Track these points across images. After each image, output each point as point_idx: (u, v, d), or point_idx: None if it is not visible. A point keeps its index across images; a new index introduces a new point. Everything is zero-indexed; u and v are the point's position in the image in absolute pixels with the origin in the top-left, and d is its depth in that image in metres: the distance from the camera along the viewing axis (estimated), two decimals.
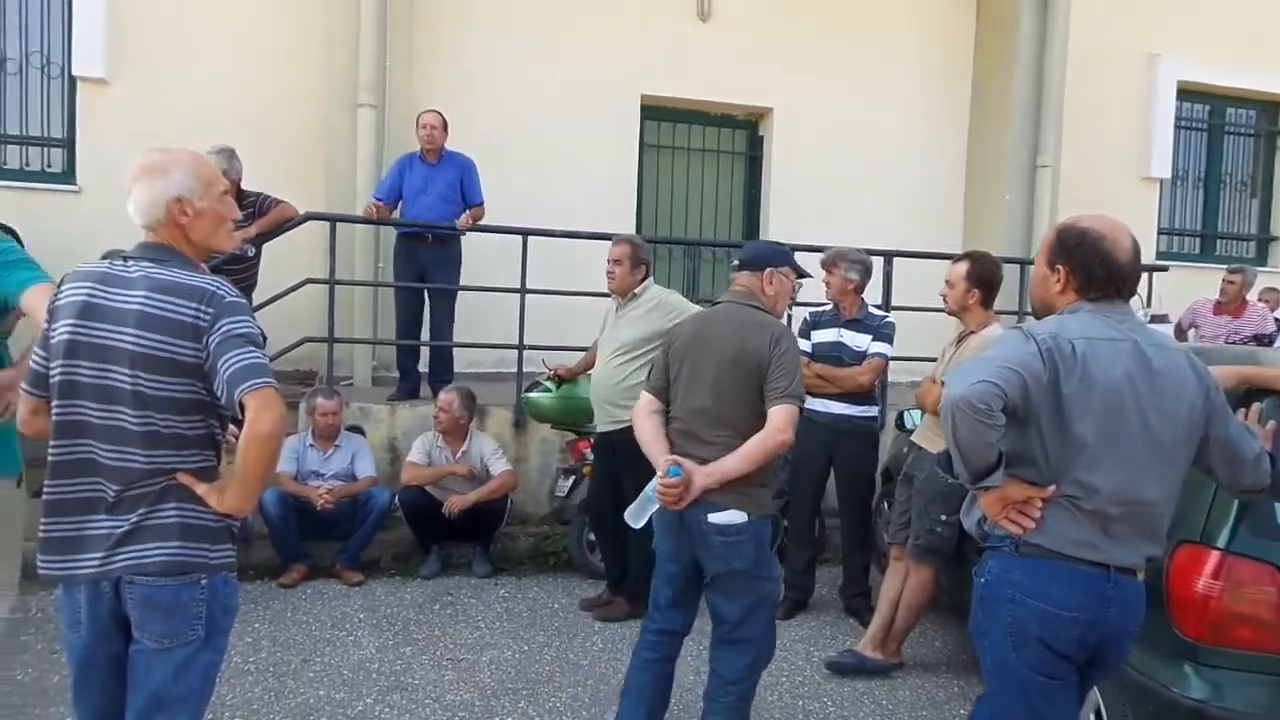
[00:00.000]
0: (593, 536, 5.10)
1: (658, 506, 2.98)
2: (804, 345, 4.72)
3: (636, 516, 3.05)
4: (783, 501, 5.26)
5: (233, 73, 6.59)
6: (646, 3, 7.41)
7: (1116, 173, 8.30)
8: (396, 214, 5.96)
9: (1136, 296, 2.35)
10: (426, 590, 4.92)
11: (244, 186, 5.43)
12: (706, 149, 8.02)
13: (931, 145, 8.17)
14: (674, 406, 3.07)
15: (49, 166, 6.64)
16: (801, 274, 3.24)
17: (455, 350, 6.10)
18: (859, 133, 7.92)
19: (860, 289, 4.64)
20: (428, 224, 5.81)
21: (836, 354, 4.62)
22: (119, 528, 1.98)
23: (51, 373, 2.00)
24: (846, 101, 7.90)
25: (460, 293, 5.96)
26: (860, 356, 4.56)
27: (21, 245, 2.94)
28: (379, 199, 5.83)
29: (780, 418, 2.88)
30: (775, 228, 7.75)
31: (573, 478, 5.26)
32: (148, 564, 1.98)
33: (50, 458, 2.02)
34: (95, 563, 1.99)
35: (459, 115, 6.17)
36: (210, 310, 1.97)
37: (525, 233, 5.80)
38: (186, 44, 6.52)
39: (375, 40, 6.46)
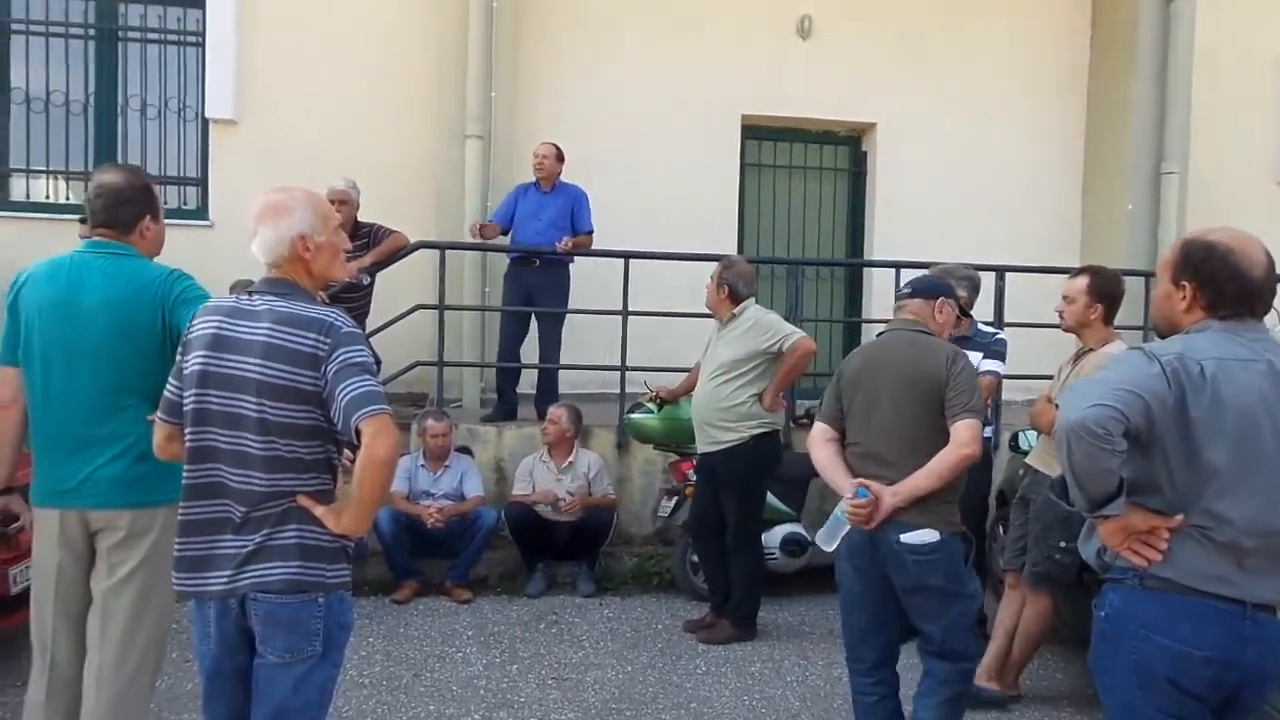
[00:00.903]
0: (695, 558, 5.09)
1: (848, 528, 2.97)
2: None
3: (828, 540, 3.03)
4: None
5: (348, 111, 6.90)
6: (745, 24, 7.42)
7: (1248, 179, 7.81)
8: (505, 239, 6.14)
9: (1273, 312, 2.21)
10: (532, 609, 5.00)
11: (359, 218, 5.68)
12: (808, 166, 7.94)
13: (1045, 154, 7.88)
14: (852, 433, 3.08)
15: (185, 204, 7.09)
16: (964, 312, 3.26)
17: (560, 372, 6.21)
18: (967, 145, 7.71)
19: (969, 306, 4.51)
20: (529, 248, 5.98)
21: None
22: (244, 547, 2.09)
23: (185, 401, 2.12)
24: (953, 113, 7.70)
25: (567, 315, 6.08)
26: None
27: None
28: (492, 220, 6.09)
29: (964, 432, 2.89)
30: (880, 245, 7.61)
31: (675, 498, 5.27)
32: (270, 582, 2.08)
33: (184, 481, 2.14)
34: (223, 581, 2.09)
35: (562, 140, 6.30)
36: (328, 340, 2.06)
37: (627, 255, 5.88)
38: (305, 86, 6.87)
39: (481, 74, 6.68)
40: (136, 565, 2.61)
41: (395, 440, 2.04)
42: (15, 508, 2.80)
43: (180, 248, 6.75)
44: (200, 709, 2.27)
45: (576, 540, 5.27)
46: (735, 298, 4.57)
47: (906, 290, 3.25)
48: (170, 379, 2.19)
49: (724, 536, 4.65)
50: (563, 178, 6.13)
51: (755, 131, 7.67)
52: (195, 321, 2.16)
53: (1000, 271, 5.95)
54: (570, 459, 5.40)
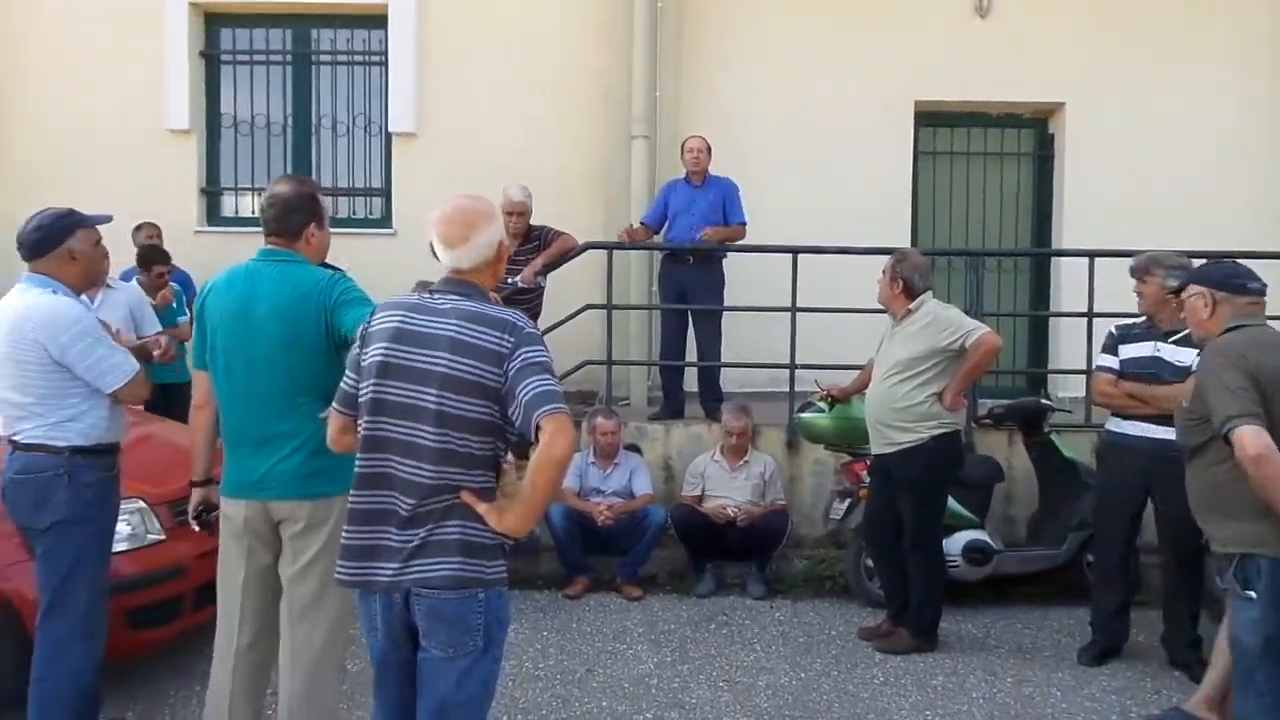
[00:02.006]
0: (870, 562, 4.90)
1: None
2: (1109, 361, 4.27)
3: None
4: (1086, 534, 4.78)
5: (519, 118, 7.10)
6: (919, 6, 7.10)
7: None
8: (658, 238, 6.15)
9: None
10: (702, 609, 4.96)
11: (530, 221, 5.84)
12: (989, 152, 7.51)
13: (1257, 129, 7.11)
14: None
15: (370, 213, 7.53)
16: None
17: (723, 370, 6.15)
18: (1168, 121, 7.05)
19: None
20: (678, 244, 5.96)
21: (1153, 371, 4.11)
22: (410, 542, 2.12)
23: (361, 392, 2.18)
24: (1151, 88, 7.07)
25: (726, 312, 6.01)
26: (1184, 373, 3.99)
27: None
28: (645, 223, 6.09)
29: None
30: (1071, 232, 7.09)
31: (848, 500, 5.09)
32: (433, 578, 2.11)
33: (356, 470, 2.21)
34: (389, 574, 2.14)
35: (725, 137, 6.26)
36: (512, 339, 2.10)
37: (795, 250, 5.75)
38: (478, 97, 7.13)
39: (646, 75, 6.73)
40: (317, 552, 2.76)
41: (572, 440, 2.05)
42: (213, 498, 3.02)
43: (366, 254, 7.18)
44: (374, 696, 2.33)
45: (747, 543, 5.19)
46: (910, 292, 4.35)
47: (1256, 286, 2.98)
48: (347, 371, 2.25)
49: (901, 541, 4.44)
50: (729, 173, 6.07)
51: (930, 118, 7.34)
52: (376, 316, 2.22)
53: (1217, 258, 5.40)
54: (745, 459, 5.34)
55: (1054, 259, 7.24)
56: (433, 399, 2.09)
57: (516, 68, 7.12)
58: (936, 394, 4.26)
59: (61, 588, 3.00)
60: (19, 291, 3.02)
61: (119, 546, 3.29)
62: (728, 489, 5.30)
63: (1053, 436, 5.16)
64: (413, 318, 2.15)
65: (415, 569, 2.11)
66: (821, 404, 4.97)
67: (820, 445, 5.34)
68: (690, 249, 5.91)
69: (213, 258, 6.39)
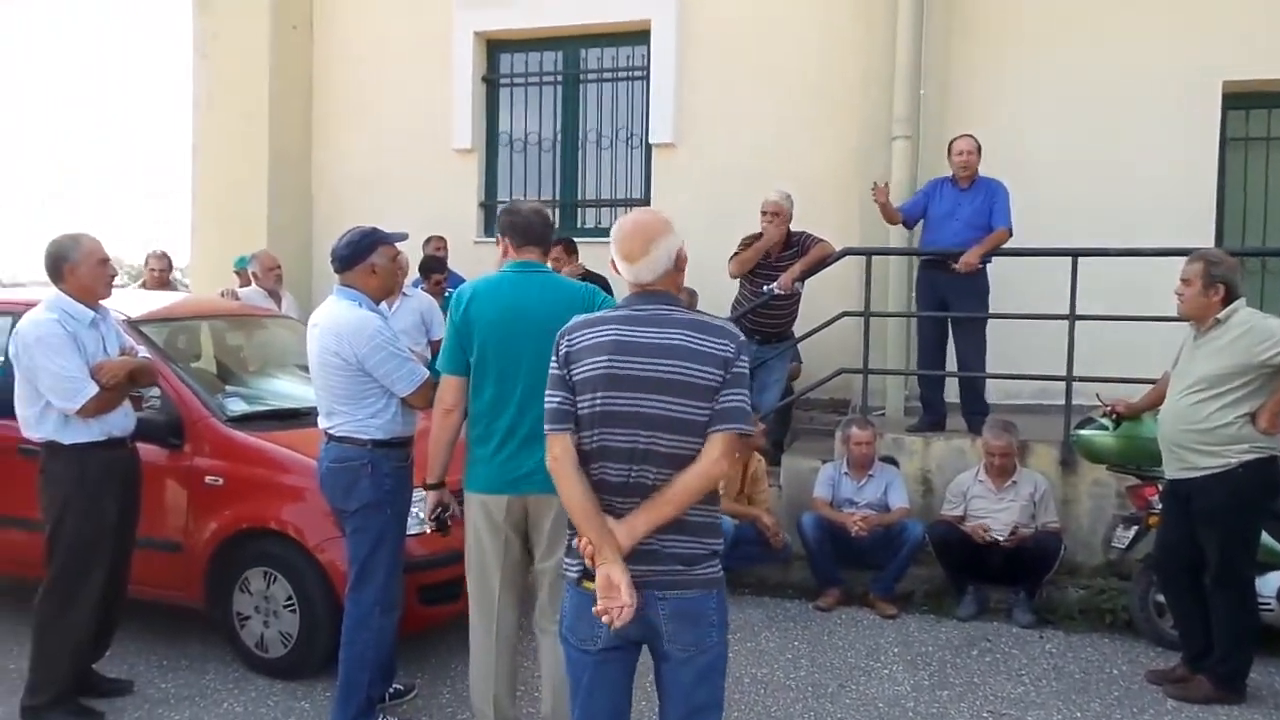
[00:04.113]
0: (1161, 598, 4.41)
1: None
2: None
3: None
4: None
5: (776, 124, 7.10)
6: None
7: None
8: (914, 241, 5.88)
9: None
10: (963, 632, 4.69)
11: (790, 227, 5.80)
12: None
13: None
14: None
15: None
16: None
17: (989, 381, 5.77)
18: None
19: None
20: (937, 251, 5.64)
21: None
22: (644, 545, 2.15)
23: (580, 406, 2.22)
24: None
25: (991, 319, 5.64)
26: None
27: (612, 293, 3.49)
28: (903, 214, 5.81)
29: None
30: None
31: (1135, 528, 4.60)
32: (673, 580, 2.17)
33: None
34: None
35: (995, 136, 5.88)
36: (733, 346, 2.19)
37: (1075, 253, 5.32)
38: (736, 104, 7.20)
39: (909, 72, 6.46)
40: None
41: (729, 468, 2.18)
42: (446, 499, 3.28)
43: None
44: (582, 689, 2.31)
45: (1014, 566, 4.85)
46: (1230, 298, 3.85)
47: None
48: (552, 390, 2.26)
49: (1199, 577, 3.96)
50: (1003, 173, 5.66)
51: (1241, 100, 6.48)
52: (580, 332, 2.26)
53: None
54: (1012, 479, 5.00)
55: None
56: (657, 404, 2.14)
57: (774, 71, 7.12)
58: (1249, 414, 3.76)
59: (365, 564, 3.38)
60: (331, 302, 3.45)
61: (411, 530, 3.64)
62: (993, 511, 4.97)
63: None
64: (631, 330, 2.21)
65: (652, 572, 2.16)
66: (1105, 420, 4.54)
67: (1102, 465, 4.88)
68: (950, 254, 5.58)
69: (489, 266, 6.97)
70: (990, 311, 5.64)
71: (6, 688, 3.84)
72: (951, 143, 5.69)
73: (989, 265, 5.61)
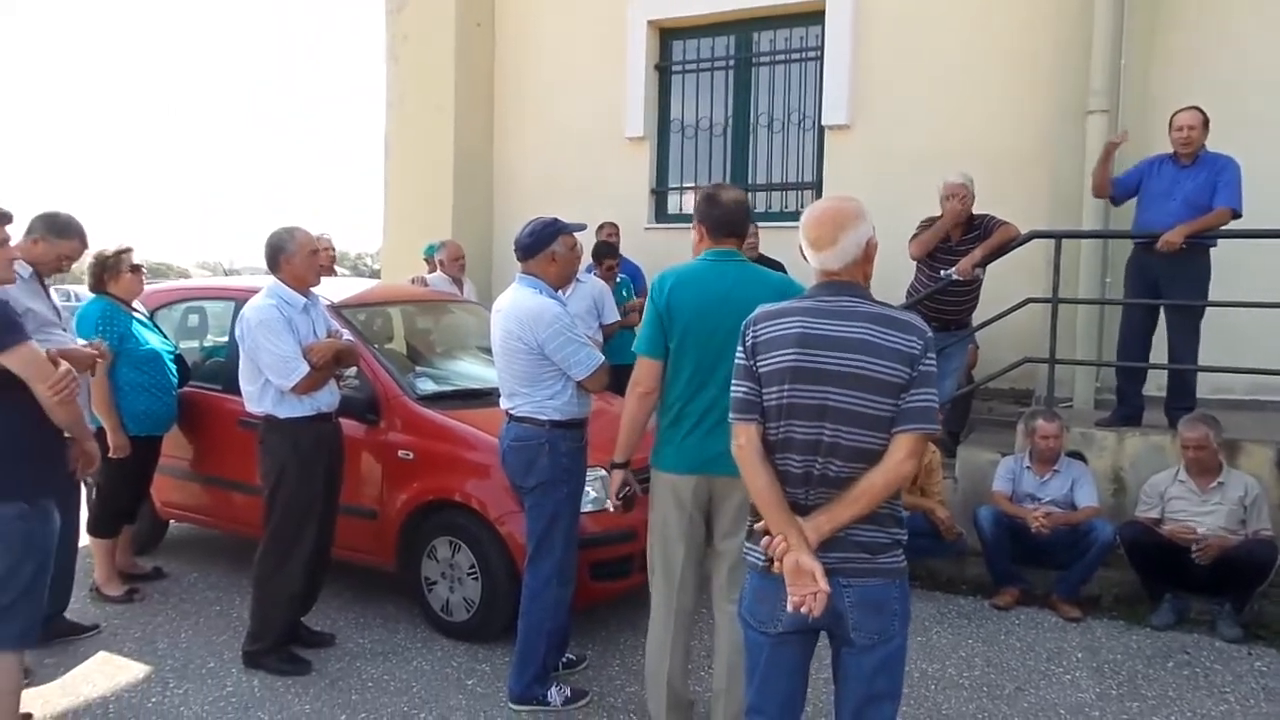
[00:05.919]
0: None
1: None
2: None
3: None
4: None
5: (956, 102, 6.80)
6: None
7: None
8: (1111, 222, 5.51)
9: None
10: (1157, 642, 4.38)
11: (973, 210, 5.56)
12: None
13: None
14: None
15: (802, 207, 7.67)
16: None
17: (1198, 374, 5.31)
18: None
19: None
20: (1143, 234, 5.19)
21: None
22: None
23: (768, 398, 2.22)
24: None
25: (1207, 308, 5.17)
26: None
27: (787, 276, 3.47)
28: (1114, 191, 5.38)
29: None
30: None
31: None
32: (858, 567, 2.17)
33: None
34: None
35: (1208, 107, 5.37)
36: (921, 343, 2.15)
37: None
38: (914, 82, 6.95)
39: (1109, 42, 5.98)
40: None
41: (916, 467, 2.16)
42: (630, 479, 3.33)
43: (794, 247, 7.41)
44: (759, 671, 2.33)
45: (1219, 575, 4.47)
46: None
47: None
48: (737, 380, 2.26)
49: None
50: (1210, 147, 5.15)
51: None
52: (766, 323, 2.24)
53: None
54: (1219, 480, 4.60)
55: None
56: (843, 398, 2.13)
57: (956, 51, 6.82)
58: None
59: (543, 538, 3.54)
60: (513, 289, 3.61)
61: (585, 508, 3.78)
62: (1196, 514, 4.60)
63: None
64: (816, 322, 2.18)
65: (840, 560, 2.17)
66: None
67: None
68: (1155, 236, 5.11)
69: (660, 251, 7.07)
70: (1210, 299, 5.15)
71: (230, 635, 4.29)
72: (1173, 116, 5.18)
73: (1212, 248, 5.13)
